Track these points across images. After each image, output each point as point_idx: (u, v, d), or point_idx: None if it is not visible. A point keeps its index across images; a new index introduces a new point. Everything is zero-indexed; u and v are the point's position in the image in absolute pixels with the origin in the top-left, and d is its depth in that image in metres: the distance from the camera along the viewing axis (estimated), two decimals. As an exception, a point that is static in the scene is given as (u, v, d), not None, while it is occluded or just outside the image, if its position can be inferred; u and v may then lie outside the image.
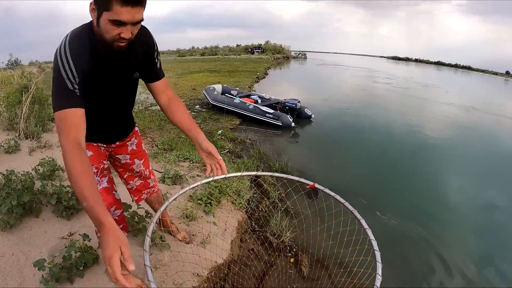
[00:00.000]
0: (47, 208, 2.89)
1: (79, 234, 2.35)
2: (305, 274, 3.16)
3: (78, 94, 1.28)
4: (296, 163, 5.80)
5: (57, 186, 2.96)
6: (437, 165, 6.67)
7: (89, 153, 1.69)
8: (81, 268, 2.13)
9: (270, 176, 1.79)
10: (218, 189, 3.56)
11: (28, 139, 4.75)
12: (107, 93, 1.53)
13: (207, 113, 9.35)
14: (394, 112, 11.78)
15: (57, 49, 1.27)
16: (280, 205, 4.18)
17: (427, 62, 54.65)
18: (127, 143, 1.96)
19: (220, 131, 7.18)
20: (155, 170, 4.16)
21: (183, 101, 10.83)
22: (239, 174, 1.73)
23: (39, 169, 3.43)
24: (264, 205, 4.11)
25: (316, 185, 1.59)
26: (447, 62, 52.98)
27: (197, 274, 2.40)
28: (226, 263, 2.80)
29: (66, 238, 2.55)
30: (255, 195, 4.25)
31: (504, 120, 12.13)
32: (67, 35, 1.31)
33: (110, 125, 1.75)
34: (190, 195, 3.44)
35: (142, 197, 2.29)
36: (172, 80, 16.21)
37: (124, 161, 2.01)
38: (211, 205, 3.28)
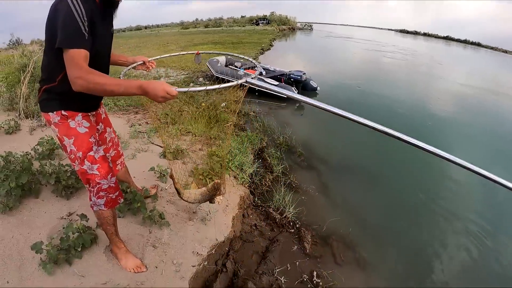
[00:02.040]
0: (46, 188, 2.87)
1: (77, 215, 2.33)
2: (308, 250, 3.13)
3: (87, 38, 1.42)
4: (300, 136, 5.70)
5: (56, 165, 2.93)
6: (446, 140, 6.50)
7: (87, 124, 1.74)
8: (79, 249, 2.12)
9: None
10: (220, 164, 3.51)
11: (29, 118, 4.72)
12: (97, 46, 1.57)
13: (210, 85, 9.20)
14: (401, 87, 11.30)
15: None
16: (280, 178, 4.15)
17: (436, 37, 52.73)
18: (100, 111, 2.05)
19: (223, 104, 7.04)
20: (157, 145, 4.12)
21: (186, 73, 10.69)
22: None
23: (38, 149, 3.40)
24: (267, 180, 4.06)
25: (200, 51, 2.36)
26: (456, 37, 50.90)
27: (197, 252, 2.38)
28: (227, 240, 2.77)
29: (65, 218, 2.53)
30: (258, 169, 4.21)
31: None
32: None
33: None
34: (191, 170, 3.40)
35: (116, 168, 2.36)
36: (175, 54, 15.99)
37: (101, 131, 2.07)
38: (213, 180, 3.23)
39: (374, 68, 15.95)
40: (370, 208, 3.94)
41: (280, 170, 4.27)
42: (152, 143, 4.19)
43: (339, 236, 3.38)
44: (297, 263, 3.00)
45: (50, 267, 1.99)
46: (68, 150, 1.73)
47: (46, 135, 3.70)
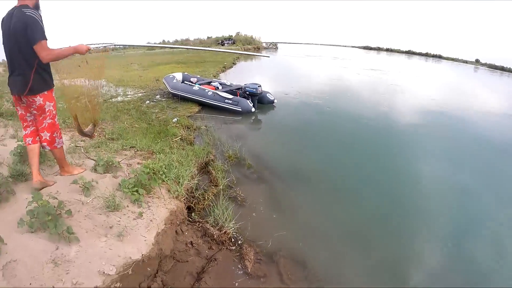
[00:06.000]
0: None
1: None
2: (249, 269, 2.82)
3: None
4: (252, 149, 5.44)
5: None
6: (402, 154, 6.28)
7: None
8: None
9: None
10: (151, 175, 3.16)
11: None
12: None
13: (166, 102, 8.77)
14: (363, 101, 11.01)
15: (31, 15, 2.47)
16: (224, 192, 3.85)
17: (398, 51, 53.86)
18: None
19: (175, 119, 6.69)
20: (91, 159, 3.73)
21: (144, 92, 10.25)
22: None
23: None
24: (210, 194, 3.75)
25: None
26: (417, 51, 52.07)
27: (103, 272, 2.02)
28: (148, 259, 2.41)
29: None
30: (201, 183, 3.92)
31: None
32: (26, 9, 2.48)
33: None
34: (119, 184, 3.04)
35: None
36: (136, 73, 15.49)
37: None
38: (139, 193, 2.87)
39: (337, 82, 15.67)
40: (325, 223, 3.68)
41: (225, 183, 3.98)
42: (88, 158, 3.79)
43: (287, 252, 3.10)
44: (236, 283, 2.68)
45: None
46: (47, 110, 2.75)
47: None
